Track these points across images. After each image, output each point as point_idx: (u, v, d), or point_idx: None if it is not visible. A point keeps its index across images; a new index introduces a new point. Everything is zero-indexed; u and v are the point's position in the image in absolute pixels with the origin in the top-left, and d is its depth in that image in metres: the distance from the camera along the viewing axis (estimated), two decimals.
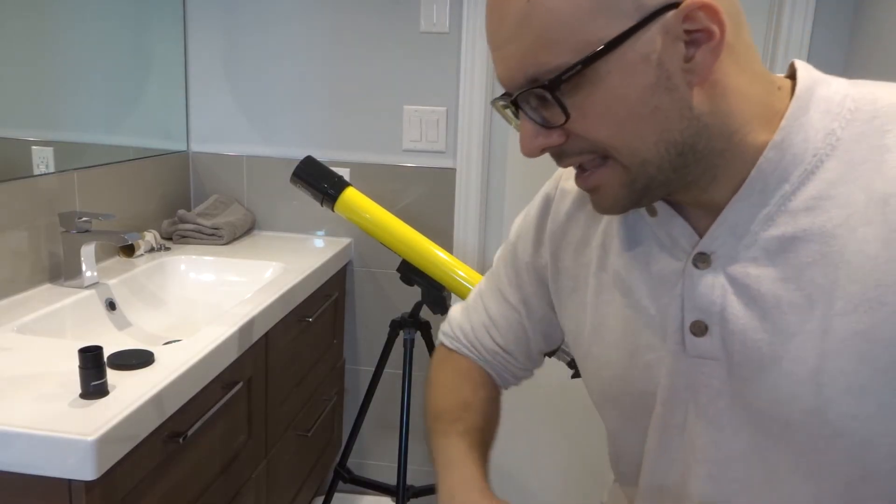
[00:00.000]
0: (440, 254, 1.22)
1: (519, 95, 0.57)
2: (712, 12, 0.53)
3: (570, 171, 0.72)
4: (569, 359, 1.17)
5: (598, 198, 0.61)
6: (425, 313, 1.52)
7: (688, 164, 0.57)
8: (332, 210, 1.27)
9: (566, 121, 0.55)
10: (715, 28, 0.54)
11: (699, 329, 0.61)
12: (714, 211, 0.60)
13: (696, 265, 0.61)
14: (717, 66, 0.55)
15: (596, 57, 0.52)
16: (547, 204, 0.81)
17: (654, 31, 0.53)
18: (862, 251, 0.54)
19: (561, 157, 0.60)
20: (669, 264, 0.63)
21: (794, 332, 0.56)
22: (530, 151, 0.58)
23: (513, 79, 0.57)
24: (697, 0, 0.52)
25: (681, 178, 0.58)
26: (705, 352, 0.61)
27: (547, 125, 0.57)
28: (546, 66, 0.54)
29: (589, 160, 0.59)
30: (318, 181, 1.26)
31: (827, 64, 1.79)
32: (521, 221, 0.85)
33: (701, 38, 0.54)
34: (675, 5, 0.52)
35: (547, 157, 0.61)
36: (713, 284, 0.60)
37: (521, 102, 0.57)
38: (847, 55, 1.77)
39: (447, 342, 0.90)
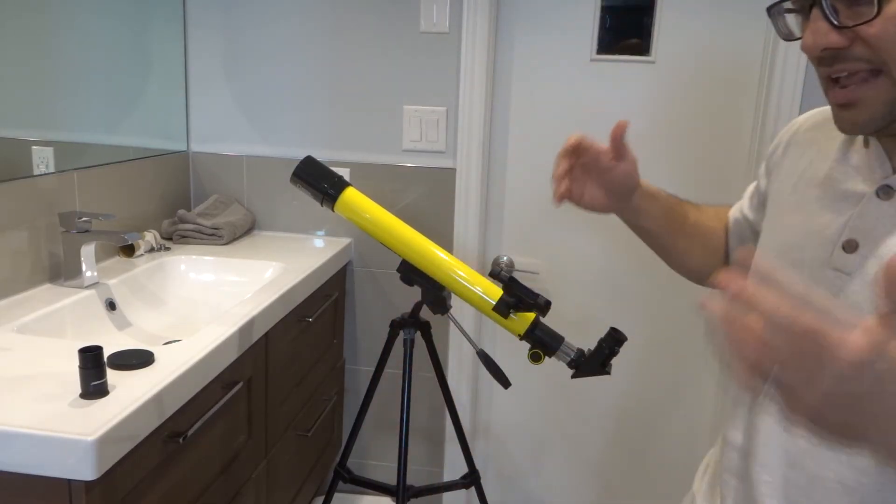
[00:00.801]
0: (440, 254, 1.22)
1: None
2: None
3: (821, 111, 0.80)
4: (569, 359, 1.18)
5: (853, 113, 0.64)
6: (425, 313, 1.52)
7: None
8: (332, 210, 1.27)
9: (876, 15, 0.57)
10: None
11: (851, 246, 0.67)
12: None
13: (878, 194, 0.67)
14: None
15: None
16: (793, 124, 0.87)
17: None
18: None
19: (834, 62, 0.62)
20: (858, 186, 0.70)
21: None
22: (815, 47, 0.61)
23: None
24: None
25: None
26: (844, 266, 0.68)
27: (840, 25, 0.60)
28: None
29: (860, 71, 0.61)
30: (318, 181, 1.26)
31: None
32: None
33: None
34: None
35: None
36: (884, 214, 0.66)
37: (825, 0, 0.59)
38: None
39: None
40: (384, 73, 1.96)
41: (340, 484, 1.78)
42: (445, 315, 1.31)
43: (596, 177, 0.89)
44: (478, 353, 1.35)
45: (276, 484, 1.61)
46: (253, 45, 2.00)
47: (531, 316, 1.18)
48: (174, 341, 1.28)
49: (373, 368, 1.69)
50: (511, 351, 2.08)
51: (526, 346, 1.21)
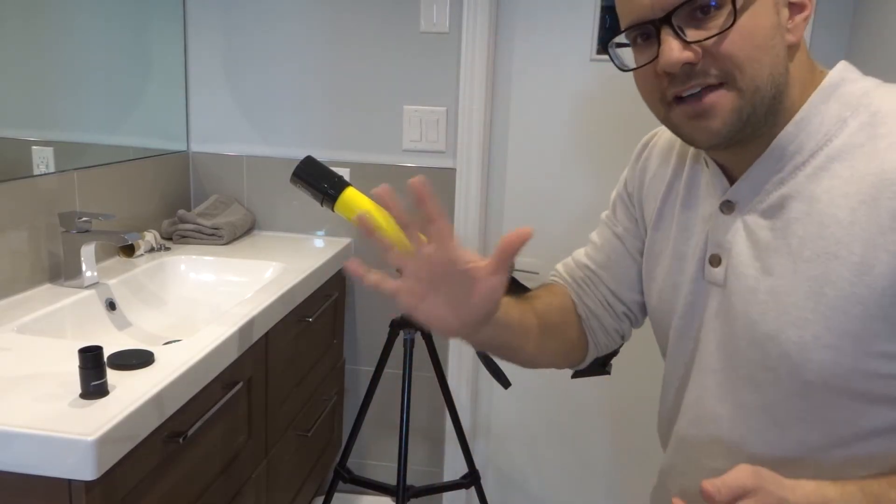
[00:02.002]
0: None
1: (677, 10, 0.64)
2: None
3: (660, 135, 0.88)
4: None
5: (708, 122, 0.67)
6: None
7: (767, 112, 0.68)
8: (332, 210, 1.27)
9: (732, 24, 0.63)
10: (808, 3, 0.68)
11: (715, 261, 0.75)
12: (743, 169, 0.72)
13: (721, 210, 0.74)
14: (799, 38, 0.68)
15: None
16: (643, 147, 0.91)
17: None
18: (835, 214, 0.66)
19: (687, 79, 0.66)
20: (707, 206, 0.77)
21: (772, 271, 0.69)
22: (675, 64, 0.65)
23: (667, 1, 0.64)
24: None
25: (755, 129, 0.68)
26: (714, 279, 0.75)
27: (688, 39, 0.65)
28: None
29: (709, 82, 0.66)
30: (318, 181, 1.26)
31: (827, 63, 1.79)
32: (623, 175, 0.94)
33: (797, 8, 0.67)
34: None
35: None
36: (730, 227, 0.74)
37: (674, 19, 0.65)
38: (847, 55, 1.77)
39: (551, 277, 0.98)
40: (384, 73, 1.96)
41: (340, 484, 1.78)
42: None
43: (450, 289, 0.71)
44: (478, 353, 1.35)
45: (276, 484, 1.61)
46: (253, 45, 2.00)
47: None
48: (174, 341, 1.28)
49: (373, 368, 1.69)
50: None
51: None
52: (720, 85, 0.66)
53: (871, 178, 0.64)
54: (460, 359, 2.08)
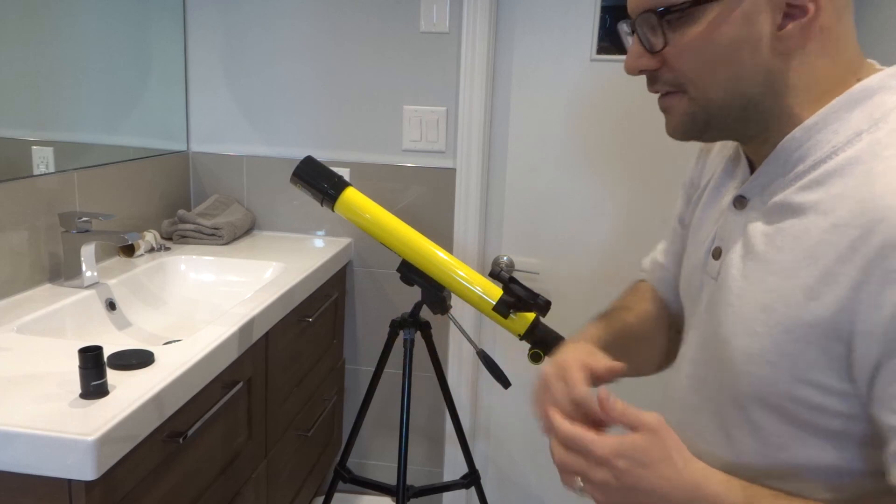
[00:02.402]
0: (440, 254, 1.22)
1: (637, 18, 0.67)
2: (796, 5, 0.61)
3: None
4: None
5: (668, 120, 0.72)
6: (425, 313, 1.52)
7: (749, 118, 0.67)
8: (332, 210, 1.27)
9: (664, 47, 0.66)
10: (811, 6, 0.61)
11: (716, 253, 0.75)
12: (761, 160, 0.70)
13: (734, 205, 0.73)
14: (805, 44, 0.63)
15: (698, 2, 0.63)
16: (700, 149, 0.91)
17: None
18: (813, 231, 0.62)
19: (651, 83, 0.70)
20: (726, 199, 0.76)
21: (748, 276, 0.68)
22: (631, 68, 0.69)
23: (638, 5, 0.67)
24: None
25: (743, 129, 0.69)
26: (711, 271, 0.75)
27: (651, 50, 0.67)
28: (656, 1, 0.65)
29: (665, 90, 0.69)
30: (318, 181, 1.26)
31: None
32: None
33: (796, 13, 0.62)
34: None
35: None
36: (736, 223, 0.72)
37: (638, 27, 0.68)
38: None
39: (641, 275, 1.00)
40: (384, 73, 1.96)
41: (340, 484, 1.78)
42: (445, 315, 1.31)
43: None
44: (478, 353, 1.35)
45: (276, 484, 1.61)
46: (253, 44, 2.00)
47: (531, 316, 1.18)
48: (174, 341, 1.28)
49: (373, 368, 1.69)
50: (511, 351, 2.08)
51: (526, 346, 1.21)
52: (674, 91, 0.69)
53: (851, 202, 0.60)
54: (460, 359, 2.08)
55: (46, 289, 1.46)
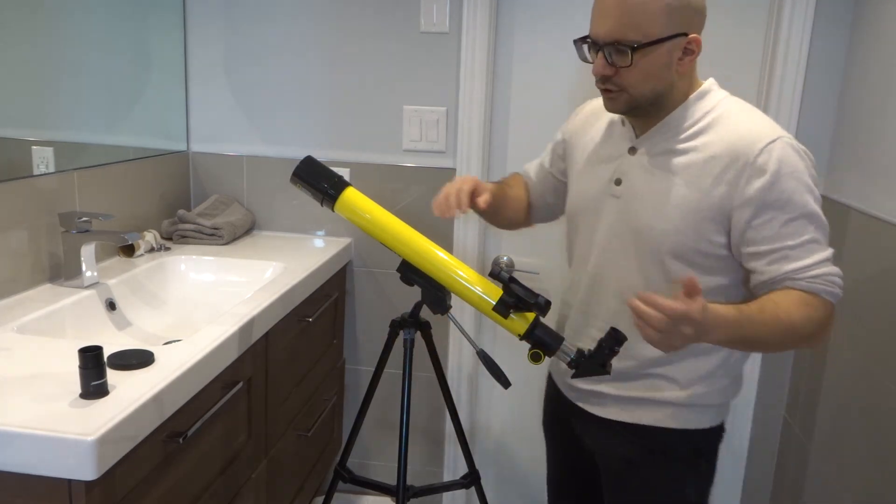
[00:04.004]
0: (440, 254, 1.22)
1: (607, 46, 1.09)
2: (698, 43, 1.11)
3: (592, 102, 1.36)
4: (569, 359, 1.18)
5: (612, 104, 1.15)
6: (425, 313, 1.52)
7: (654, 105, 1.15)
8: (332, 210, 1.27)
9: (630, 65, 1.08)
10: (695, 49, 1.11)
11: (618, 181, 1.20)
12: (644, 130, 1.19)
13: (629, 151, 1.20)
14: (686, 67, 1.13)
15: (653, 43, 1.07)
16: (576, 112, 1.41)
17: (676, 41, 1.09)
18: (697, 160, 1.12)
19: (605, 82, 1.12)
20: (619, 149, 1.23)
21: (656, 189, 1.15)
22: (598, 72, 1.11)
23: (607, 36, 1.08)
24: (695, 36, 1.10)
25: (647, 111, 1.16)
26: (615, 193, 1.20)
27: (612, 63, 1.09)
28: (627, 37, 1.07)
29: (615, 88, 1.12)
30: (318, 181, 1.26)
31: (827, 64, 1.79)
32: (565, 123, 1.42)
33: (689, 51, 1.11)
34: (686, 34, 1.09)
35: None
36: (632, 162, 1.19)
37: (605, 49, 1.09)
38: (847, 55, 1.77)
39: (519, 171, 1.53)
40: (384, 73, 1.96)
41: (340, 484, 1.78)
42: (445, 315, 1.31)
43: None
44: (478, 353, 1.35)
45: (276, 484, 1.61)
46: (253, 45, 2.00)
47: (531, 316, 1.18)
48: (174, 341, 1.28)
49: (373, 368, 1.69)
50: (511, 351, 2.07)
51: (526, 346, 1.21)
52: (619, 90, 1.12)
53: (718, 147, 1.11)
54: (460, 359, 2.08)
55: (46, 289, 1.46)
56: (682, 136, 1.14)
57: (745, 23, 1.83)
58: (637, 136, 1.19)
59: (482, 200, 1.20)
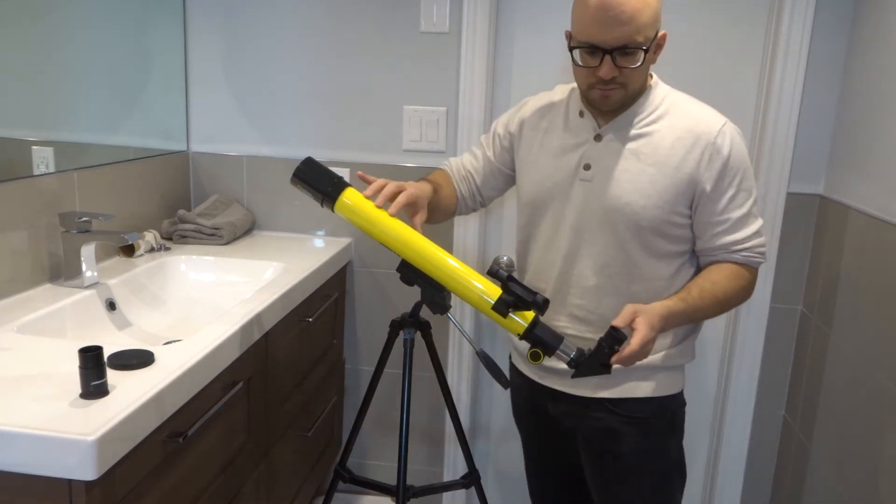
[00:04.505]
0: (439, 253, 1.22)
1: (617, 49, 1.17)
2: (665, 38, 1.24)
3: (534, 99, 1.45)
4: (568, 358, 1.18)
5: (608, 102, 1.25)
6: (425, 313, 1.52)
7: (635, 96, 1.28)
8: (332, 210, 1.27)
9: (640, 65, 1.19)
10: (662, 44, 1.25)
11: (587, 167, 1.30)
12: (607, 120, 1.29)
13: (595, 138, 1.30)
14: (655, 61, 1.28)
15: (651, 42, 1.20)
16: (519, 107, 1.46)
17: (657, 39, 1.22)
18: (662, 142, 1.26)
19: (608, 82, 1.21)
20: (582, 136, 1.32)
21: (628, 169, 1.27)
22: (609, 75, 1.19)
23: (616, 42, 1.16)
24: (664, 32, 1.23)
25: (628, 103, 1.28)
26: (585, 177, 1.30)
27: (618, 65, 1.19)
28: (635, 41, 1.17)
29: (616, 86, 1.22)
30: (318, 182, 1.26)
31: (827, 64, 1.79)
32: (503, 117, 1.49)
33: (659, 46, 1.25)
34: (659, 30, 1.22)
35: None
36: (598, 148, 1.30)
37: (614, 52, 1.17)
38: (847, 55, 1.77)
39: (443, 167, 1.55)
40: (384, 73, 1.96)
41: (340, 484, 1.78)
42: (445, 315, 1.31)
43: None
44: (477, 353, 1.35)
45: (276, 484, 1.61)
46: (253, 44, 2.00)
47: (530, 315, 1.18)
48: (174, 341, 1.28)
49: (373, 368, 1.69)
50: (508, 352, 2.07)
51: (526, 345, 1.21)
52: (619, 86, 1.22)
53: (680, 130, 1.26)
54: (460, 359, 2.08)
55: (46, 289, 1.46)
56: (645, 121, 1.28)
57: (745, 23, 1.83)
58: (600, 126, 1.30)
59: (418, 222, 1.27)
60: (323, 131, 2.02)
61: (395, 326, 1.60)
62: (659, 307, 1.21)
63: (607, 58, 1.18)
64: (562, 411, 1.41)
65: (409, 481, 1.60)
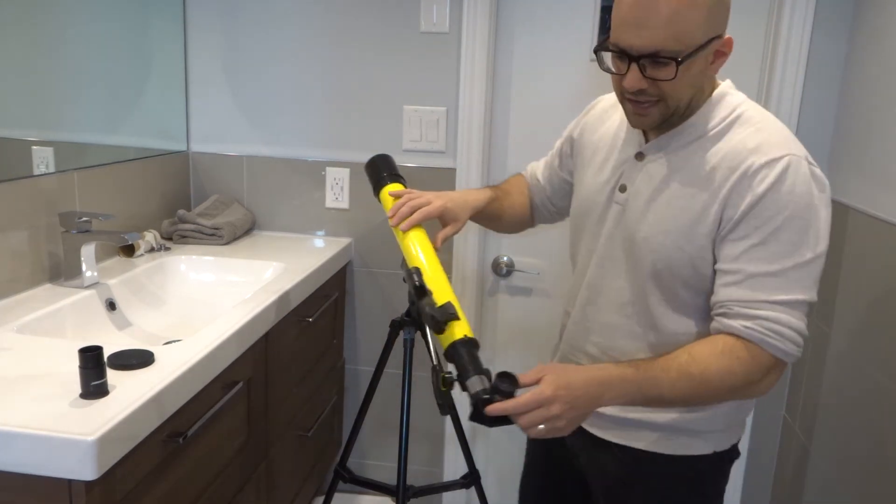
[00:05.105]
0: (429, 272, 1.17)
1: (645, 57, 0.96)
2: (730, 44, 1.01)
3: (605, 98, 1.28)
4: (470, 395, 1.05)
5: (643, 119, 1.04)
6: None
7: (686, 112, 1.05)
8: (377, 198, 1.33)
9: (675, 77, 0.96)
10: (727, 51, 1.01)
11: (622, 188, 1.12)
12: (656, 135, 1.09)
13: (636, 157, 1.12)
14: (715, 71, 1.04)
15: (696, 51, 0.96)
16: (588, 109, 1.32)
17: (711, 46, 0.98)
18: (698, 172, 1.04)
19: (638, 95, 1.01)
20: (626, 153, 1.14)
21: (656, 199, 1.07)
22: (633, 88, 0.99)
23: (646, 47, 0.96)
24: (729, 37, 1.00)
25: (675, 119, 1.05)
26: (619, 200, 1.13)
27: (647, 76, 0.98)
28: (670, 49, 0.95)
29: (650, 100, 1.01)
30: (380, 171, 1.34)
31: (827, 64, 1.79)
32: (575, 120, 1.35)
33: (721, 53, 1.01)
34: (721, 36, 0.99)
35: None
36: (638, 168, 1.11)
37: (643, 61, 0.97)
38: (847, 55, 1.77)
39: (523, 172, 1.47)
40: (384, 73, 1.96)
41: (340, 484, 1.78)
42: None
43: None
44: (433, 367, 1.11)
45: (276, 484, 1.61)
46: (253, 44, 2.00)
47: (459, 333, 1.03)
48: (174, 341, 1.28)
49: (373, 368, 1.69)
50: (508, 354, 2.08)
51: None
52: (656, 101, 1.01)
53: (720, 155, 1.02)
54: None
55: (46, 289, 1.46)
56: (693, 142, 1.05)
57: (745, 23, 1.83)
58: (647, 141, 1.10)
59: (440, 236, 1.20)
60: (323, 131, 2.02)
61: (395, 326, 1.60)
62: (583, 371, 0.98)
63: (633, 66, 0.97)
64: (580, 448, 1.25)
65: (409, 481, 1.60)
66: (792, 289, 0.97)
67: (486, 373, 0.98)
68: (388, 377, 1.81)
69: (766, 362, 0.97)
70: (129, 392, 1.00)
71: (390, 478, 1.68)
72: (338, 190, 2.04)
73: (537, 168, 1.42)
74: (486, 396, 0.94)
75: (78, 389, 0.98)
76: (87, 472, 0.89)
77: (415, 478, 2.10)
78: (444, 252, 2.01)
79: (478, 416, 0.95)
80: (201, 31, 2.01)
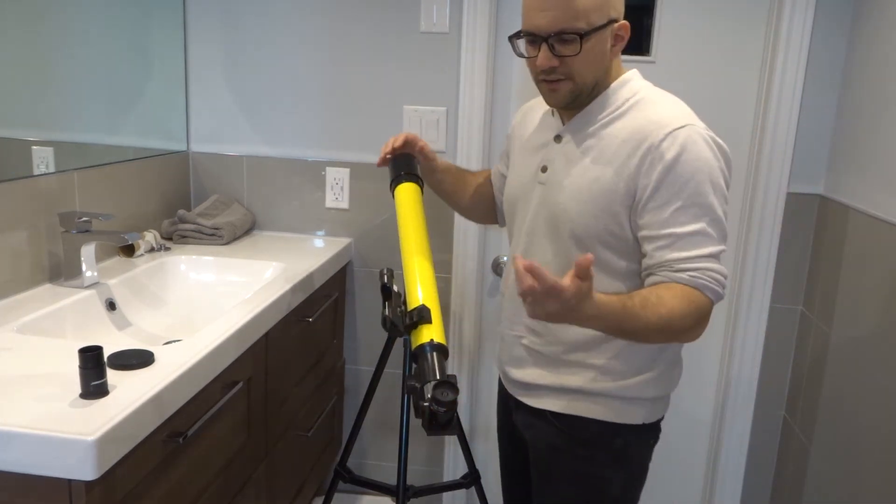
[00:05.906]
0: (416, 271, 1.18)
1: (553, 36, 1.10)
2: (627, 29, 1.16)
3: (530, 102, 1.39)
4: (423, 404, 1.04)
5: (555, 95, 1.17)
6: None
7: (593, 91, 1.18)
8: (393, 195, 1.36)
9: (578, 53, 1.10)
10: (625, 35, 1.16)
11: (544, 168, 1.24)
12: (571, 118, 1.22)
13: (555, 139, 1.24)
14: (616, 54, 1.18)
15: (596, 30, 1.11)
16: (519, 113, 1.43)
17: (611, 28, 1.13)
18: (610, 146, 1.15)
19: (549, 73, 1.14)
20: (546, 137, 1.27)
21: (571, 174, 1.19)
22: (545, 64, 1.13)
23: (551, 27, 1.10)
24: (625, 22, 1.16)
25: (585, 97, 1.18)
26: (541, 180, 1.24)
27: (556, 54, 1.12)
28: (573, 27, 1.09)
29: (559, 78, 1.15)
30: (399, 168, 1.36)
31: (827, 64, 1.79)
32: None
33: (619, 37, 1.16)
34: (617, 20, 1.14)
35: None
36: (557, 150, 1.23)
37: (551, 40, 1.11)
38: (847, 55, 1.77)
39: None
40: (384, 73, 1.96)
41: (340, 484, 1.78)
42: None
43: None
44: (408, 387, 1.09)
45: (276, 484, 1.61)
46: (253, 44, 2.00)
47: (426, 337, 1.06)
48: (174, 341, 1.28)
49: (373, 368, 1.69)
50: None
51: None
52: (565, 78, 1.14)
53: (628, 130, 1.14)
54: (460, 359, 2.08)
55: (46, 289, 1.46)
56: (601, 122, 1.17)
57: (745, 23, 1.83)
58: (563, 125, 1.23)
59: (422, 149, 1.38)
60: (323, 131, 2.02)
61: None
62: (597, 301, 1.00)
63: (544, 46, 1.11)
64: (521, 421, 1.33)
65: (409, 481, 1.60)
66: (715, 242, 1.11)
67: (440, 381, 0.99)
68: (387, 377, 1.81)
69: (706, 307, 1.09)
70: (129, 392, 1.00)
71: (390, 478, 1.69)
72: (338, 190, 2.04)
73: (499, 167, 1.51)
74: (433, 406, 0.94)
75: (78, 389, 0.98)
76: (87, 472, 0.89)
77: (415, 478, 2.10)
78: (445, 252, 2.01)
79: (430, 424, 0.95)
80: (201, 32, 2.01)
